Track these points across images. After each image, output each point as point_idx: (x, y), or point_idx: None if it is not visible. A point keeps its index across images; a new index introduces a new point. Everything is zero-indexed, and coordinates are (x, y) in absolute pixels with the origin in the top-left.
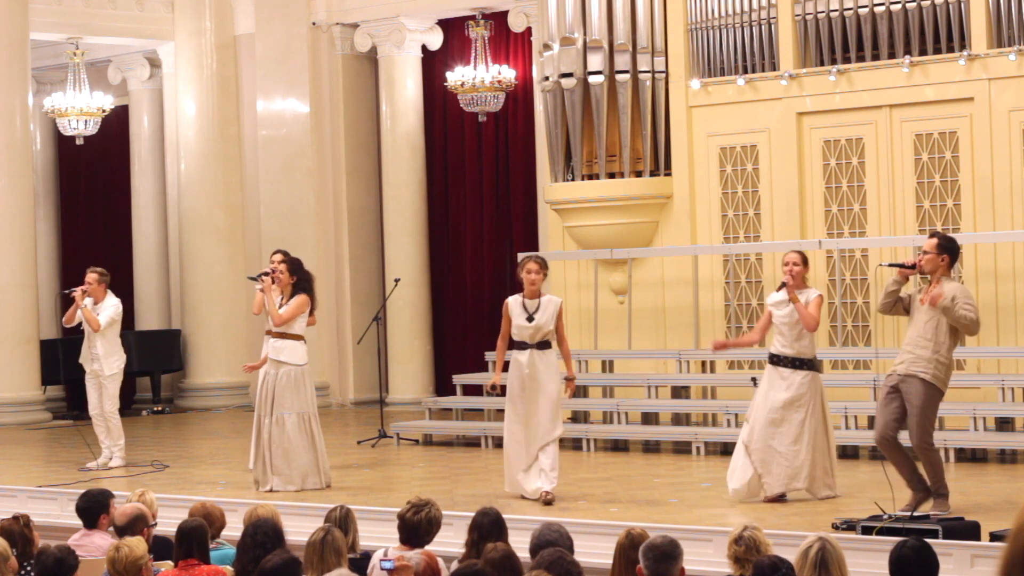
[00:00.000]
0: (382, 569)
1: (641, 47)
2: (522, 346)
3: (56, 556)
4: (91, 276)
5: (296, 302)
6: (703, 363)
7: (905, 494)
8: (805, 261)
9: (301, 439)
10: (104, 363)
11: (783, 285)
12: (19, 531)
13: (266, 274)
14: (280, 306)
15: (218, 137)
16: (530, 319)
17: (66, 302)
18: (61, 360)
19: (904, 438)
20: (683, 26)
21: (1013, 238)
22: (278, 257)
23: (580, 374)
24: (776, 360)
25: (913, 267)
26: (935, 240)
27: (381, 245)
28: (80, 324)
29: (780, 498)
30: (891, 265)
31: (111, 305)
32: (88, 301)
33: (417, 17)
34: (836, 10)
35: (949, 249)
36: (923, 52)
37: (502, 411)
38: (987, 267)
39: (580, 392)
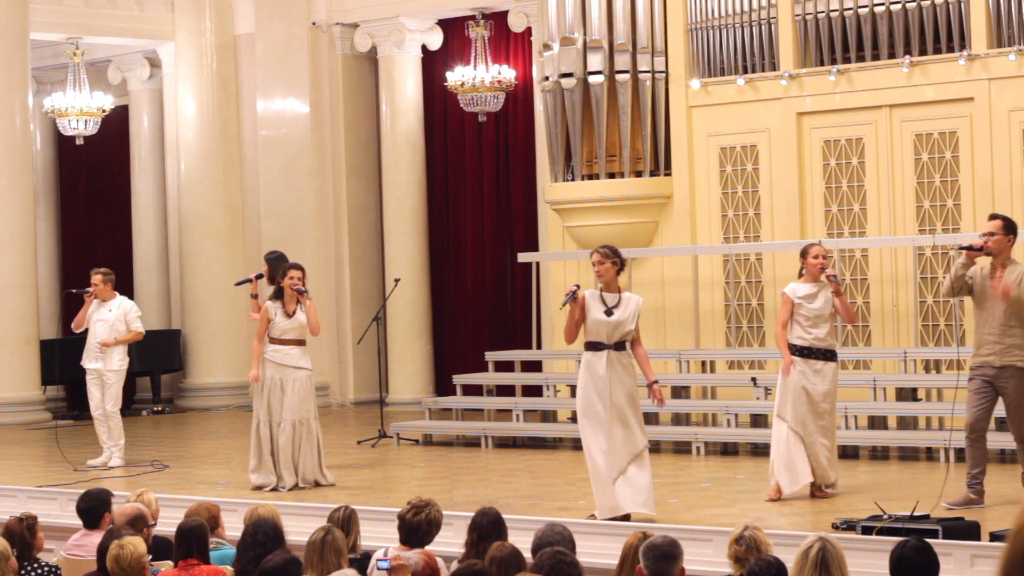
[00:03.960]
0: (379, 569)
1: (641, 47)
2: (598, 346)
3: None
4: (96, 278)
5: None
6: (703, 363)
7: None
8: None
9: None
10: (107, 361)
11: (832, 278)
12: (20, 532)
13: (260, 276)
14: (293, 313)
15: (218, 137)
16: (609, 313)
17: (67, 302)
18: (59, 360)
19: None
20: (683, 26)
21: None
22: (298, 274)
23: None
24: (808, 352)
25: (981, 249)
26: (999, 221)
27: (381, 245)
28: (84, 330)
29: (779, 497)
30: (961, 249)
31: (131, 308)
32: (95, 303)
33: (417, 17)
34: (836, 10)
35: (1013, 228)
36: (923, 52)
37: (503, 412)
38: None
39: None
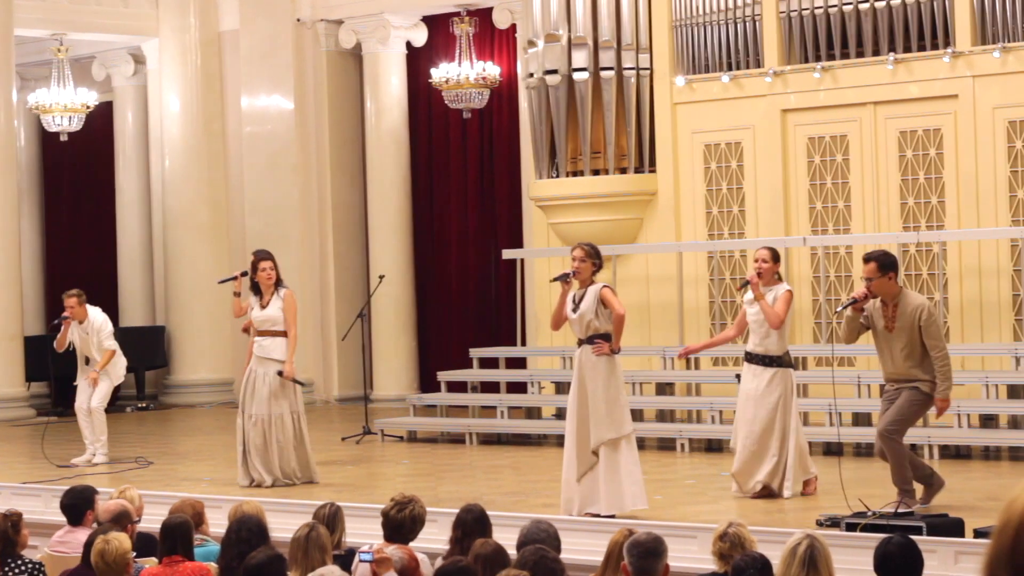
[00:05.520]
0: (361, 561)
1: (626, 44)
2: (579, 342)
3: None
4: (70, 301)
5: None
6: (687, 360)
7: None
8: (775, 257)
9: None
10: (112, 370)
11: (745, 283)
12: (4, 529)
13: (245, 274)
14: (267, 305)
15: (202, 133)
16: (575, 309)
17: (55, 331)
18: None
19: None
20: (668, 23)
21: (997, 235)
22: (268, 264)
23: (563, 371)
24: (749, 358)
25: (865, 297)
26: (874, 263)
27: (365, 241)
28: (71, 346)
29: (769, 494)
30: (845, 307)
31: (102, 325)
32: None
33: (401, 14)
34: (820, 7)
35: (891, 264)
36: (907, 49)
37: (487, 408)
38: (971, 264)
39: (563, 389)
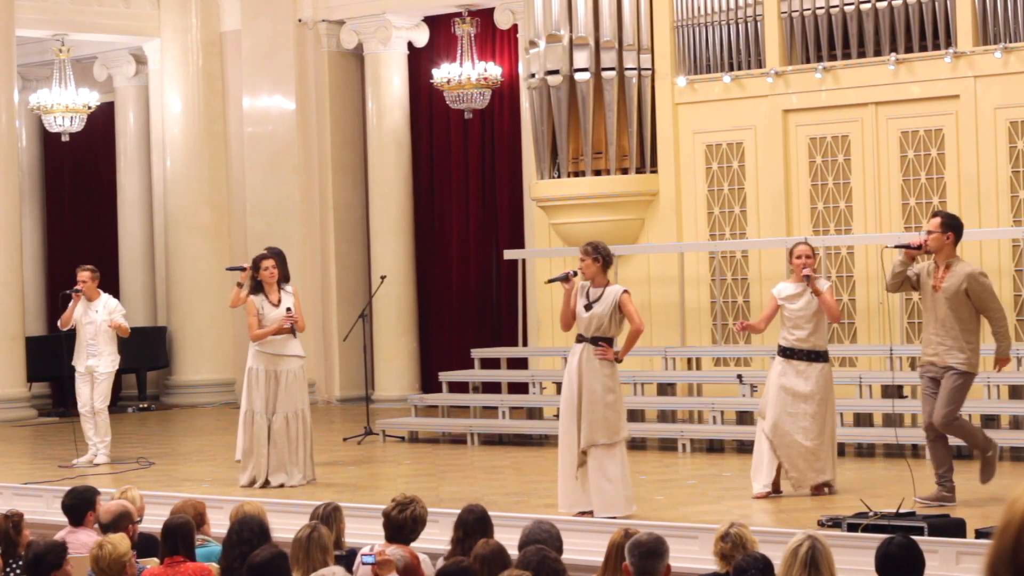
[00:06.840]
0: (364, 564)
1: (627, 44)
2: (579, 339)
3: (37, 552)
4: (84, 275)
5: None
6: (689, 360)
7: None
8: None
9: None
10: (101, 360)
11: (807, 278)
12: (6, 529)
13: (243, 268)
14: (278, 302)
15: (204, 134)
16: (588, 307)
17: (59, 300)
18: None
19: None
20: (669, 23)
21: (998, 235)
22: (271, 263)
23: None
24: (791, 353)
25: (919, 248)
26: (939, 219)
27: (367, 242)
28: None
29: (771, 494)
30: (897, 246)
31: (116, 306)
32: (81, 302)
33: (403, 14)
34: (822, 7)
35: (954, 226)
36: (909, 49)
37: (488, 409)
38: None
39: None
